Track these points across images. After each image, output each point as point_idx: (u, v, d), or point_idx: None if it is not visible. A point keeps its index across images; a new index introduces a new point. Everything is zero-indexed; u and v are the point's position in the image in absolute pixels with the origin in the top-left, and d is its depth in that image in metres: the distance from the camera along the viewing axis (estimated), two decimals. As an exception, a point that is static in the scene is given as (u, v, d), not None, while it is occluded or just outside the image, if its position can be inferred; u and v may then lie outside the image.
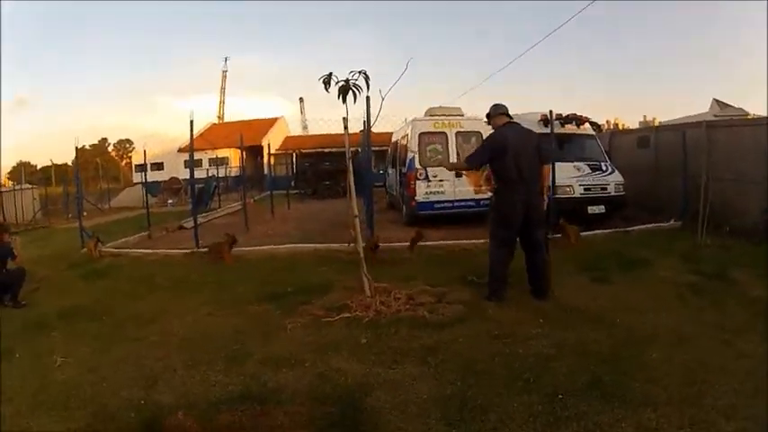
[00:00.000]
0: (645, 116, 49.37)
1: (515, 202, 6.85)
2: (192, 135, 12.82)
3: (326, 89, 6.61)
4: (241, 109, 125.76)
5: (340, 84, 6.62)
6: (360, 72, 6.61)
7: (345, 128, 7.42)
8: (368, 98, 8.82)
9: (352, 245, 7.73)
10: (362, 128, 11.56)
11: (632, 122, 46.75)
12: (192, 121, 12.71)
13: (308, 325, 6.19)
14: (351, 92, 6.65)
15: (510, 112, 7.42)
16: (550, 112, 12.68)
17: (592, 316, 6.27)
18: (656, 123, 36.29)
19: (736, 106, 34.50)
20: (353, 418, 4.04)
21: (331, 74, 6.63)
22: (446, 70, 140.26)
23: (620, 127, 38.92)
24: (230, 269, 9.64)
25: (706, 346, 5.32)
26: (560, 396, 4.29)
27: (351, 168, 7.54)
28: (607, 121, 44.50)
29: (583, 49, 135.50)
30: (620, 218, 13.71)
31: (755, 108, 35.61)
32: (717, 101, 37.60)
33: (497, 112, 7.37)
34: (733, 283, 7.66)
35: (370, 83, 6.69)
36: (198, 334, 6.12)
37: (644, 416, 3.98)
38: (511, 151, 6.83)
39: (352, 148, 7.92)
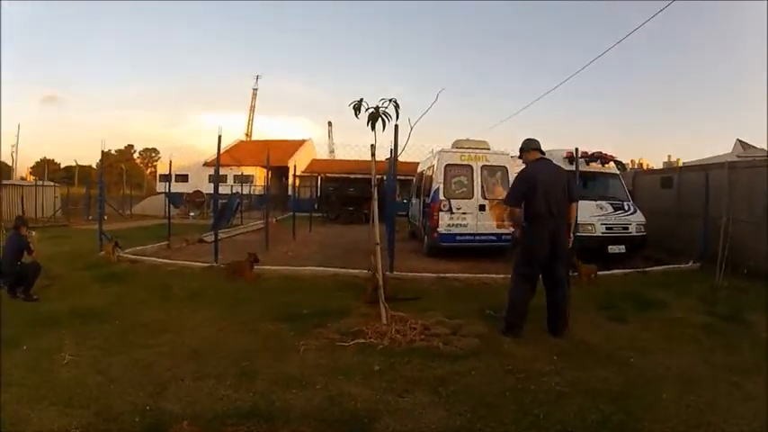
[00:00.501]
0: (669, 156, 49.51)
1: (543, 237, 6.84)
2: (219, 150, 12.86)
3: (356, 115, 6.67)
4: (269, 128, 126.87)
5: (370, 110, 6.65)
6: (390, 100, 6.64)
7: (373, 155, 7.45)
8: (396, 127, 8.90)
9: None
10: (389, 156, 11.52)
11: (656, 162, 46.84)
12: (219, 137, 12.74)
13: (321, 348, 6.17)
14: (380, 119, 6.66)
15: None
16: (576, 149, 12.75)
17: (605, 355, 6.27)
18: (680, 164, 36.26)
19: (759, 147, 34.35)
20: None
21: (362, 100, 6.68)
22: (474, 104, 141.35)
23: (645, 166, 38.86)
24: (248, 287, 9.58)
25: (715, 387, 5.30)
26: None
27: (376, 196, 7.57)
28: (632, 161, 44.45)
29: (609, 86, 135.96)
30: (641, 258, 13.69)
31: None
32: (740, 141, 37.41)
33: (530, 147, 7.38)
34: (746, 325, 7.72)
35: (399, 111, 6.72)
36: (209, 347, 6.11)
37: None
38: (541, 187, 6.84)
39: (377, 176, 7.89)
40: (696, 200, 14.00)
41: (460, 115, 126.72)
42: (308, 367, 5.52)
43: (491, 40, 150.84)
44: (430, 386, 5.10)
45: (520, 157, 7.71)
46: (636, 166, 37.64)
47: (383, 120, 6.69)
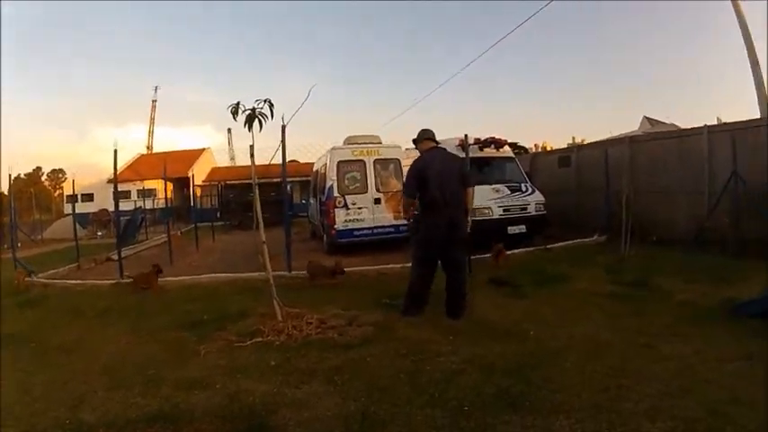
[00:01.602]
0: (573, 138, 50.48)
1: (439, 224, 7.11)
2: (115, 166, 12.89)
3: (234, 118, 6.92)
4: (175, 139, 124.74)
5: (247, 112, 6.92)
6: (265, 100, 6.91)
7: (252, 155, 7.74)
8: (283, 127, 9.04)
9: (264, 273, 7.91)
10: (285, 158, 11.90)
11: (561, 144, 47.88)
12: (115, 151, 12.80)
13: (221, 350, 6.41)
14: (257, 120, 6.93)
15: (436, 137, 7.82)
16: (465, 136, 13.04)
17: (503, 331, 6.50)
18: (585, 143, 37.27)
19: (667, 122, 35.68)
20: None
21: (239, 103, 6.94)
22: (379, 99, 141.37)
23: (549, 149, 39.92)
24: (151, 299, 9.84)
25: (624, 352, 5.49)
26: (466, 408, 4.43)
27: (257, 198, 7.80)
28: (535, 145, 45.40)
29: (513, 72, 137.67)
30: (543, 237, 14.24)
31: (686, 122, 36.97)
32: (647, 118, 38.83)
33: (423, 137, 7.74)
34: (656, 290, 8.08)
35: (274, 111, 7.00)
36: (118, 359, 6.34)
37: (555, 423, 4.07)
38: (434, 176, 7.13)
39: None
40: (596, 176, 14.74)
41: (362, 112, 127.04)
42: (209, 369, 5.77)
43: (386, 34, 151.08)
44: (325, 376, 5.35)
45: (415, 148, 8.04)
46: (539, 149, 38.58)
47: (260, 120, 6.94)
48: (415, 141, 7.97)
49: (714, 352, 5.23)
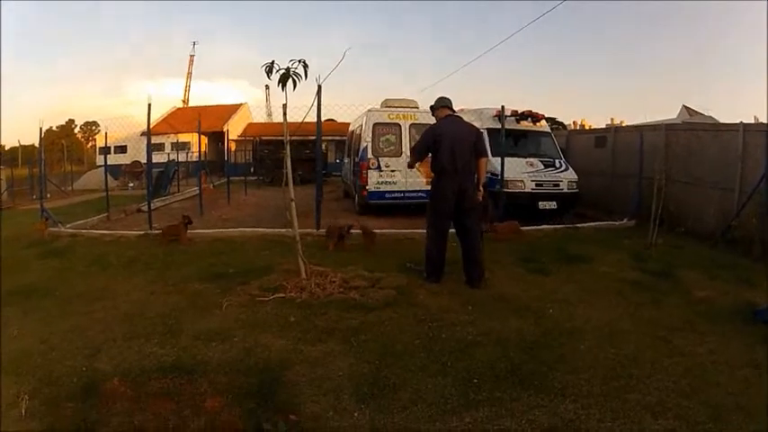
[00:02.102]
0: (612, 119, 49.71)
1: (447, 191, 7.21)
2: (149, 119, 12.93)
3: (269, 77, 6.85)
4: (210, 93, 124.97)
5: (281, 71, 6.84)
6: (299, 61, 6.83)
7: (284, 114, 7.67)
8: (319, 87, 9.19)
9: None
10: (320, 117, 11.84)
11: (599, 125, 47.25)
12: (149, 105, 12.84)
13: (242, 303, 6.47)
14: (291, 79, 6.84)
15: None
16: (502, 107, 13.04)
17: (522, 306, 6.43)
18: (623, 125, 36.73)
19: (705, 114, 35.05)
20: (270, 389, 4.29)
21: (273, 62, 6.87)
22: (423, 61, 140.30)
23: (587, 128, 39.39)
24: (178, 251, 9.95)
25: (638, 341, 5.38)
26: (475, 381, 4.44)
27: (288, 156, 7.78)
28: (573, 122, 44.91)
29: (558, 47, 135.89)
30: (574, 215, 13.89)
31: (725, 117, 36.34)
32: (686, 107, 38.11)
33: (440, 105, 7.74)
34: (678, 282, 7.76)
35: (308, 72, 6.90)
36: (140, 309, 6.42)
37: (561, 406, 4.06)
38: (446, 143, 7.17)
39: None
40: (630, 160, 14.32)
41: (402, 76, 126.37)
42: (229, 322, 5.87)
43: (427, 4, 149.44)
44: (342, 336, 5.42)
45: (433, 115, 8.01)
46: (578, 127, 38.07)
47: (294, 80, 6.85)
48: (432, 108, 7.97)
49: (727, 355, 5.11)
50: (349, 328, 5.65)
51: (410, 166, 8.01)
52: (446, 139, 7.21)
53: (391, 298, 6.62)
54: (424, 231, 10.22)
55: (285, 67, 6.86)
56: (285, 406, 4.05)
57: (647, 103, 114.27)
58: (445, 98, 7.83)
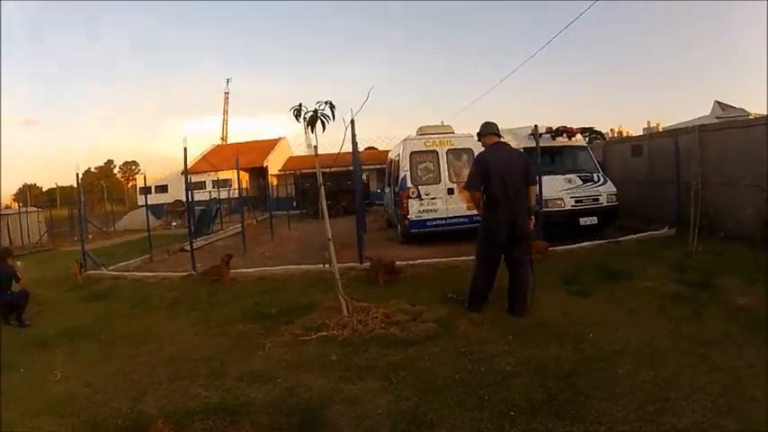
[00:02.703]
0: (648, 122, 49.37)
1: (501, 221, 7.03)
2: (185, 158, 13.25)
3: (297, 120, 6.99)
4: (248, 129, 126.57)
5: (309, 113, 6.96)
6: (326, 102, 6.92)
7: (316, 155, 7.90)
8: (352, 121, 9.22)
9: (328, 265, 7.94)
10: (355, 150, 11.90)
11: (636, 129, 46.60)
12: (185, 148, 13.17)
13: (285, 344, 6.52)
14: (320, 121, 6.93)
15: (503, 128, 7.62)
16: (536, 126, 13.10)
17: (561, 331, 6.31)
18: (660, 129, 36.42)
19: (737, 107, 34.74)
20: (311, 428, 4.33)
21: (300, 104, 6.99)
22: (452, 86, 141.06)
23: (625, 134, 39.09)
24: (221, 291, 10.00)
25: (677, 360, 5.25)
26: (512, 413, 4.37)
27: (323, 195, 7.95)
28: (611, 130, 44.66)
29: (581, 56, 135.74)
30: (615, 228, 13.87)
31: (758, 108, 35.86)
32: (718, 102, 37.81)
33: (487, 132, 7.56)
34: (718, 292, 7.57)
35: (335, 112, 6.98)
36: (184, 352, 6.53)
37: None
38: (497, 171, 7.03)
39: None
40: (667, 166, 14.18)
41: (433, 101, 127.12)
42: (272, 363, 5.90)
43: (457, 25, 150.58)
44: (383, 373, 5.40)
45: (479, 140, 7.83)
46: (616, 135, 37.87)
47: (323, 121, 6.94)
48: (479, 135, 7.76)
49: (764, 367, 4.93)
50: (389, 364, 5.64)
51: (474, 203, 7.89)
52: (496, 168, 7.09)
53: (432, 332, 6.56)
54: (468, 259, 10.18)
55: (313, 109, 6.97)
56: None
57: (682, 101, 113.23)
58: (492, 124, 7.67)
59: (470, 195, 7.45)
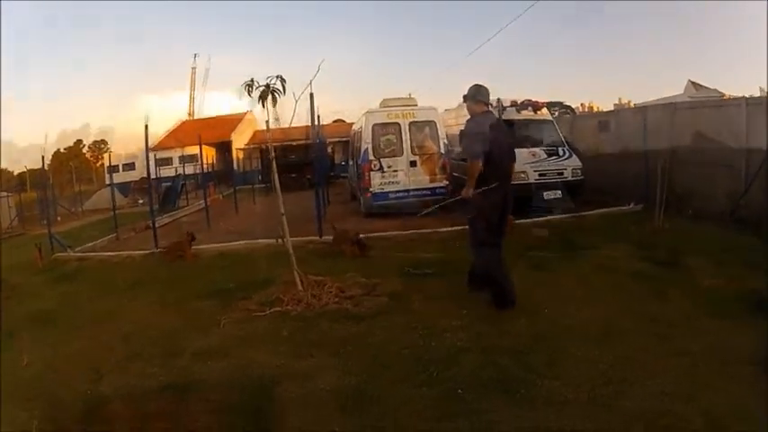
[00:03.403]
0: (620, 99, 49.50)
1: (498, 200, 6.41)
2: (146, 136, 13.50)
3: (249, 94, 7.12)
4: (218, 105, 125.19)
5: (261, 89, 7.08)
6: (277, 77, 7.04)
7: (267, 129, 8.08)
8: (311, 95, 9.48)
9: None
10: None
11: (607, 106, 46.80)
12: (146, 125, 13.41)
13: (240, 320, 6.63)
14: (272, 95, 7.06)
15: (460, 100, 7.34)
16: (498, 100, 13.39)
17: (517, 307, 6.22)
18: (631, 105, 36.83)
19: (711, 87, 35.14)
20: (259, 405, 4.44)
21: (252, 80, 7.12)
22: (425, 59, 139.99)
23: (595, 110, 39.30)
24: (183, 268, 10.19)
25: (636, 341, 5.19)
26: (460, 391, 4.38)
27: (275, 170, 8.22)
28: (581, 104, 44.80)
29: (555, 33, 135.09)
30: (580, 202, 13.56)
31: (730, 89, 36.32)
32: (692, 82, 38.07)
33: (478, 98, 6.77)
34: (683, 271, 7.48)
35: (285, 86, 7.09)
36: (143, 331, 6.68)
37: (544, 416, 3.94)
38: (496, 144, 6.38)
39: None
40: (636, 142, 14.28)
41: (404, 75, 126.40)
42: (227, 339, 6.03)
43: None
44: (332, 348, 5.49)
45: (464, 102, 7.03)
46: (586, 111, 38.03)
47: (273, 96, 7.07)
48: (465, 98, 6.92)
49: (725, 352, 4.85)
50: (340, 339, 5.74)
51: (472, 176, 7.26)
52: (496, 140, 6.40)
53: (385, 306, 6.69)
54: (427, 231, 10.46)
55: (264, 84, 7.09)
56: (271, 421, 4.22)
57: (654, 80, 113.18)
58: (484, 89, 6.83)
59: (472, 166, 6.43)
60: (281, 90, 7.12)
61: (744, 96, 11.17)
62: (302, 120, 7.59)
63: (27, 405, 4.83)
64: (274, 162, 8.13)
